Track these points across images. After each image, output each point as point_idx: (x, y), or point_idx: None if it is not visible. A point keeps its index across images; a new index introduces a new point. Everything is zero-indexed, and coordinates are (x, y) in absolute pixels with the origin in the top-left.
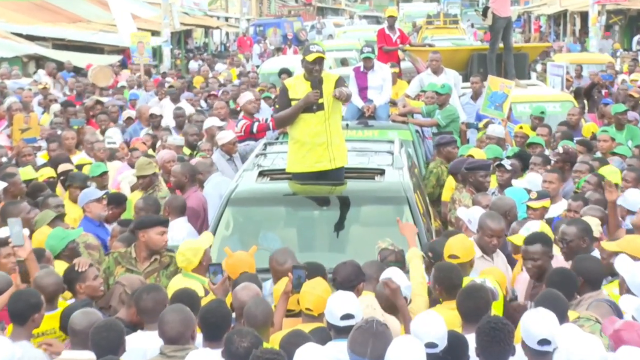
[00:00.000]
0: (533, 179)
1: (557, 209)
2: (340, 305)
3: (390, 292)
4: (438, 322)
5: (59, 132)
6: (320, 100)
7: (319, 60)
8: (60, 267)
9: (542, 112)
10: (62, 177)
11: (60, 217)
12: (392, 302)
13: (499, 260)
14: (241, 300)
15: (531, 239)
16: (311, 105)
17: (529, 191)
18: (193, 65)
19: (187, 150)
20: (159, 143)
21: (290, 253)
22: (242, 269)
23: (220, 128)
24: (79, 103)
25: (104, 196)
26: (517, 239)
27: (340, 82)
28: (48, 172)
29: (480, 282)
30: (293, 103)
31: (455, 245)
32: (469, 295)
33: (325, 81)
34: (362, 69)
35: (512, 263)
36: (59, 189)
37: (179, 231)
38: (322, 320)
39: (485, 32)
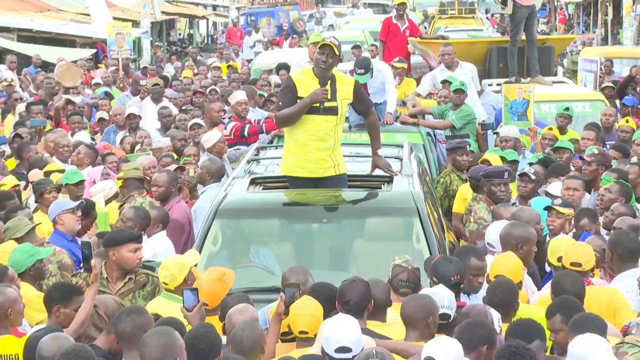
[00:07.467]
0: (555, 187)
1: None
2: (338, 335)
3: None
4: (453, 346)
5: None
6: (332, 104)
7: (328, 50)
8: (25, 289)
9: (567, 109)
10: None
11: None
12: None
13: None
14: (235, 324)
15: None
16: (318, 105)
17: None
18: (170, 68)
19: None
20: (137, 147)
21: (306, 271)
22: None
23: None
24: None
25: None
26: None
27: (358, 88)
28: (12, 181)
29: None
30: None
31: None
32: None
33: (339, 83)
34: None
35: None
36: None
37: (157, 245)
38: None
39: (492, 16)
